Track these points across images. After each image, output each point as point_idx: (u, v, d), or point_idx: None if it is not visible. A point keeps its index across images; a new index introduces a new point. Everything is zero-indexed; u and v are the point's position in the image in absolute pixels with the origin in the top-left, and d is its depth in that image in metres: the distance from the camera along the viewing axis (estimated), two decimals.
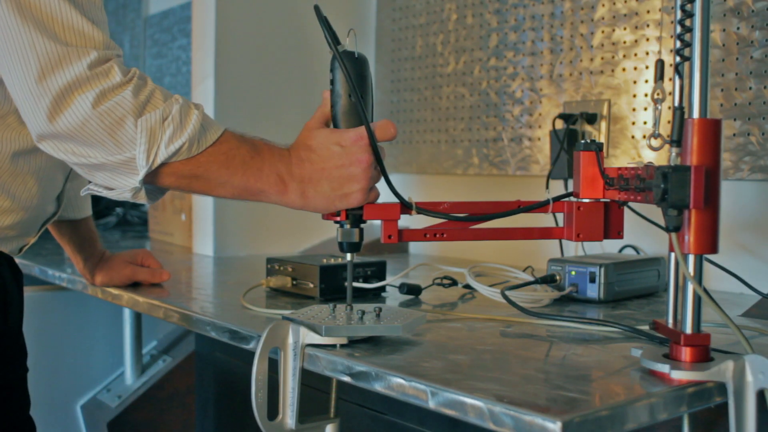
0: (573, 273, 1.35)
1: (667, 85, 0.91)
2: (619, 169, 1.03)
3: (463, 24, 2.04)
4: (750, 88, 1.46)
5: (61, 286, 1.71)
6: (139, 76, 0.98)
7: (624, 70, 1.68)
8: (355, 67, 1.04)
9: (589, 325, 1.13)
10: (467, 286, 1.39)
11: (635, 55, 1.66)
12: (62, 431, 2.08)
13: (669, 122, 0.88)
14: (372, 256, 1.73)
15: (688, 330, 0.87)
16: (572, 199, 1.09)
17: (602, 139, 1.70)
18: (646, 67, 1.64)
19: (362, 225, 1.07)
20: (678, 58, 0.88)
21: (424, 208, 1.06)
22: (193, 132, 0.98)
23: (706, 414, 1.03)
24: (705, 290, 0.87)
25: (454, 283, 1.43)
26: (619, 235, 1.10)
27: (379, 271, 1.40)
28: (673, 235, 0.86)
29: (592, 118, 1.72)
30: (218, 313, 1.22)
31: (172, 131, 0.97)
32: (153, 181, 1.01)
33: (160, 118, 0.97)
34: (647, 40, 1.64)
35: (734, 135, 1.48)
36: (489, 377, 0.86)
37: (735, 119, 1.48)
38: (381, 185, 1.08)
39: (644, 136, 1.64)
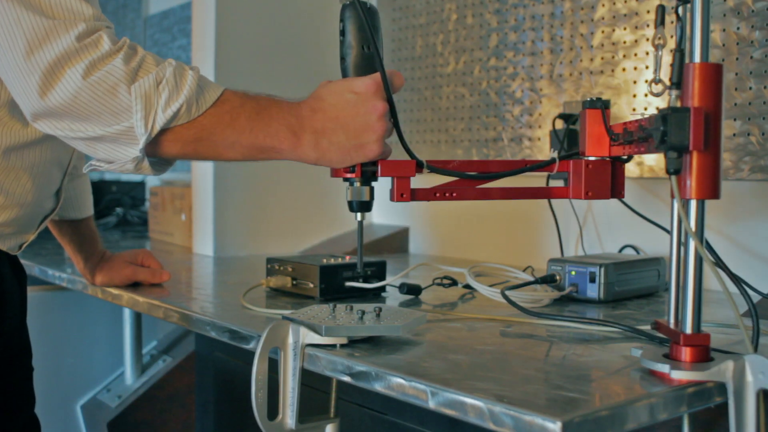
0: (573, 273, 1.35)
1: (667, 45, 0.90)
2: (624, 123, 1.03)
3: (463, 24, 2.04)
4: (750, 88, 1.46)
5: (61, 286, 1.71)
6: (129, 45, 0.96)
7: (624, 70, 1.68)
8: (368, 17, 1.00)
9: (589, 325, 1.13)
10: (467, 286, 1.39)
11: (635, 55, 1.66)
12: (62, 431, 2.08)
13: (671, 65, 0.87)
14: (372, 256, 1.73)
15: (688, 330, 0.87)
16: (578, 157, 1.09)
17: None
18: (646, 67, 1.64)
19: (373, 183, 1.03)
20: (678, 1, 0.87)
21: (435, 166, 1.04)
22: (190, 92, 0.95)
23: (706, 414, 1.03)
24: (709, 245, 0.86)
25: (454, 283, 1.43)
26: (621, 194, 1.09)
27: (379, 271, 1.40)
28: (674, 178, 0.85)
29: None
30: (218, 313, 1.22)
31: (168, 94, 0.93)
32: (157, 152, 0.97)
33: (154, 83, 0.93)
34: (647, 40, 1.64)
35: (734, 135, 1.48)
36: (489, 377, 0.86)
37: (735, 119, 1.48)
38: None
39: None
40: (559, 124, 1.75)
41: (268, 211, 2.07)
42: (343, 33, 1.01)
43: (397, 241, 2.16)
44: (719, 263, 1.00)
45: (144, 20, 3.43)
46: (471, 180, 1.08)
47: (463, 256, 1.99)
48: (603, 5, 1.72)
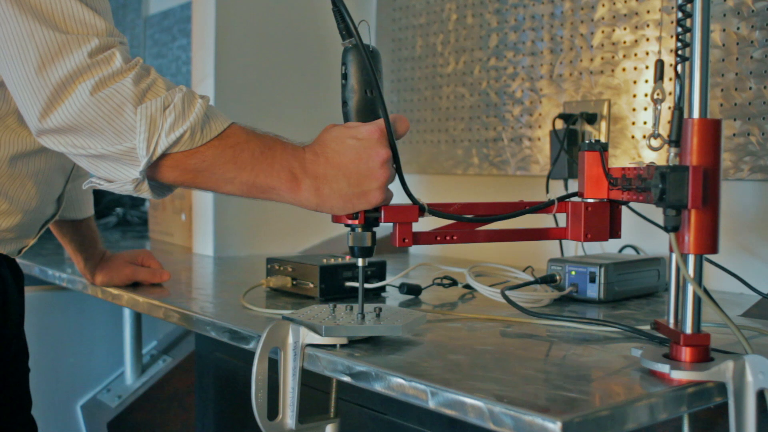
0: (573, 273, 1.35)
1: (667, 85, 0.91)
2: (623, 169, 1.03)
3: (463, 24, 2.04)
4: (750, 88, 1.46)
5: (61, 286, 1.71)
6: (142, 66, 0.94)
7: (624, 70, 1.68)
8: (372, 61, 0.99)
9: (589, 325, 1.13)
10: (467, 286, 1.39)
11: (635, 55, 1.66)
12: (62, 431, 2.08)
13: (669, 122, 0.88)
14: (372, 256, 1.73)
15: (688, 330, 0.87)
16: (577, 199, 1.09)
17: (602, 140, 1.70)
18: (646, 67, 1.64)
19: (375, 228, 1.02)
20: (677, 59, 0.88)
21: (436, 210, 1.03)
22: (196, 120, 0.93)
23: (706, 414, 1.03)
24: (705, 291, 0.87)
25: (454, 283, 1.43)
26: (617, 234, 1.10)
27: (379, 271, 1.40)
28: (672, 235, 0.86)
29: (592, 118, 1.72)
30: (218, 313, 1.22)
31: (173, 119, 0.92)
32: (156, 176, 0.96)
33: (161, 106, 0.92)
34: (647, 40, 1.64)
35: (734, 135, 1.48)
36: (489, 377, 0.86)
37: (735, 119, 1.48)
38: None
39: (644, 136, 1.64)
40: (559, 124, 1.75)
41: (268, 211, 2.07)
42: (345, 77, 0.99)
43: None
44: (719, 264, 1.01)
45: (144, 20, 3.43)
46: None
47: (463, 256, 1.99)
48: (603, 5, 1.72)
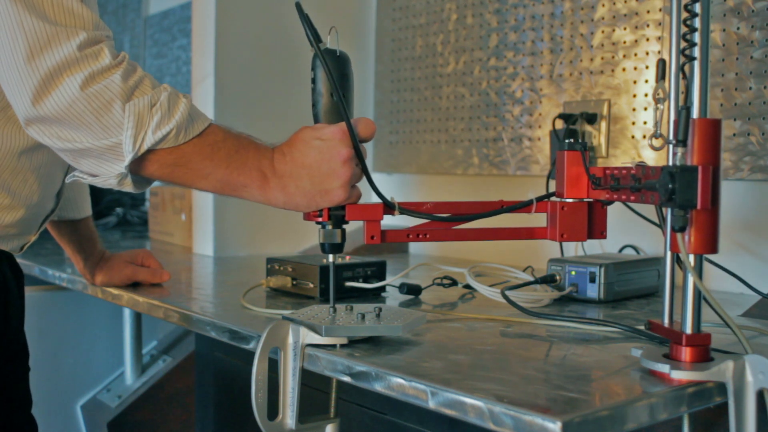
0: (573, 273, 1.35)
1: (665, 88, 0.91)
2: (606, 168, 1.03)
3: (463, 24, 2.04)
4: (750, 88, 1.46)
5: (61, 286, 1.71)
6: (129, 62, 0.98)
7: (624, 70, 1.68)
8: (337, 65, 1.03)
9: (589, 325, 1.13)
10: (467, 286, 1.39)
11: (635, 55, 1.66)
12: (62, 431, 2.08)
13: (674, 121, 0.87)
14: (372, 256, 1.73)
15: (688, 330, 0.87)
16: (555, 199, 1.10)
17: (602, 140, 1.70)
18: (646, 67, 1.64)
19: (345, 225, 1.06)
20: (684, 59, 0.88)
21: (407, 209, 1.06)
22: (181, 119, 0.97)
23: (706, 414, 1.03)
24: (707, 292, 0.87)
25: (454, 283, 1.43)
26: (602, 234, 1.10)
27: (379, 271, 1.40)
28: (678, 235, 0.86)
29: (592, 118, 1.72)
30: (218, 313, 1.22)
31: (159, 117, 0.96)
32: (137, 170, 1.00)
33: (148, 104, 0.96)
34: (647, 40, 1.64)
35: (734, 135, 1.48)
36: (489, 377, 0.86)
37: (735, 119, 1.48)
38: (363, 186, 1.07)
39: (644, 136, 1.64)
40: (559, 124, 1.75)
41: (268, 211, 2.05)
42: (314, 81, 1.04)
43: (396, 242, 2.16)
44: (719, 264, 1.01)
45: (144, 20, 3.43)
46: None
47: (463, 256, 1.99)
48: (603, 5, 1.72)
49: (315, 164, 1.02)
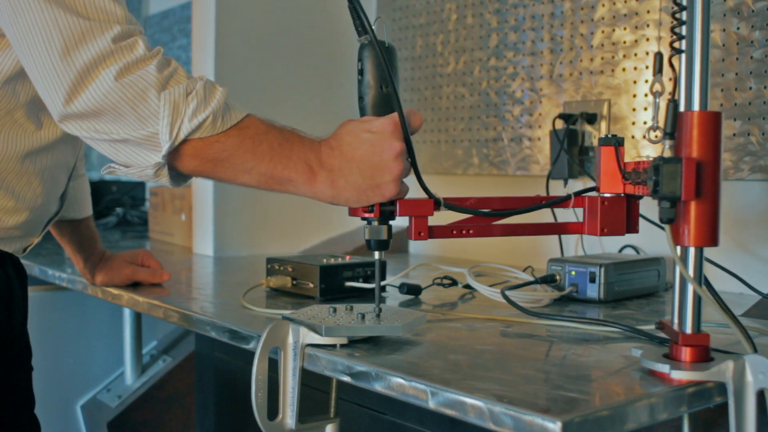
0: (573, 273, 1.35)
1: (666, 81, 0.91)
2: (636, 162, 1.03)
3: (463, 24, 2.04)
4: (750, 88, 1.46)
5: (61, 286, 1.71)
6: (164, 55, 0.97)
7: (624, 70, 1.68)
8: (387, 57, 1.00)
9: (589, 325, 1.13)
10: (467, 286, 1.39)
11: (635, 55, 1.66)
12: (62, 431, 2.08)
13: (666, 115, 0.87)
14: (372, 255, 1.73)
15: (688, 330, 0.87)
16: (593, 193, 1.09)
17: None
18: (646, 67, 1.64)
19: (391, 222, 1.03)
20: (672, 51, 0.88)
21: (452, 204, 1.04)
22: (218, 107, 0.95)
23: (706, 414, 1.03)
24: (711, 287, 0.87)
25: (454, 283, 1.43)
26: (634, 229, 1.10)
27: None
28: (667, 227, 0.85)
29: (592, 118, 1.72)
30: (218, 313, 1.22)
31: (195, 105, 0.94)
32: (177, 165, 0.98)
33: (183, 92, 0.94)
34: (647, 40, 1.64)
35: (734, 135, 1.48)
36: (489, 377, 0.86)
37: (735, 119, 1.48)
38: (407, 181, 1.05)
39: (644, 137, 1.64)
40: (559, 124, 1.75)
41: (268, 211, 2.07)
42: (361, 72, 1.01)
43: (397, 241, 2.16)
44: (719, 264, 1.00)
45: (144, 20, 3.44)
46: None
47: (463, 256, 1.99)
48: (603, 5, 1.72)
49: (366, 158, 0.99)
